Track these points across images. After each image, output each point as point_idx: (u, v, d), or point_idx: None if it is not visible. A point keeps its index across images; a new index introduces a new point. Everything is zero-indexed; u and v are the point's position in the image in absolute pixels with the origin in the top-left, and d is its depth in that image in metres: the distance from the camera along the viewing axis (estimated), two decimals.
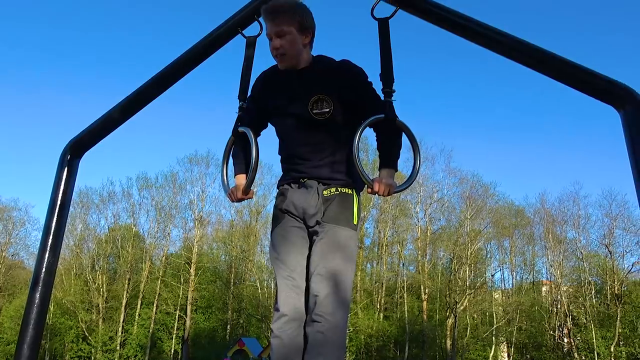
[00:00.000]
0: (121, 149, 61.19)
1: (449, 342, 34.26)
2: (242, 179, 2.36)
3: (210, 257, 40.87)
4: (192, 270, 37.60)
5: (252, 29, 2.49)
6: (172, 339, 38.00)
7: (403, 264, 38.83)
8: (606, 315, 33.22)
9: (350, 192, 2.25)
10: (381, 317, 36.46)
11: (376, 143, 2.30)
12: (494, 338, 35.40)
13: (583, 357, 32.72)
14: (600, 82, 2.02)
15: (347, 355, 33.19)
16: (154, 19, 58.37)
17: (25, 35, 55.12)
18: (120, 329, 37.56)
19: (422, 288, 35.69)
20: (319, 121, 2.22)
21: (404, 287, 37.03)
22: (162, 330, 38.61)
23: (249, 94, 2.43)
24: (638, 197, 1.89)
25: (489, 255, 40.05)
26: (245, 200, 2.41)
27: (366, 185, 2.20)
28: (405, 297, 36.61)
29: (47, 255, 2.52)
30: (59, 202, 2.60)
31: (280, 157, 2.41)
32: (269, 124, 2.46)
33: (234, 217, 40.47)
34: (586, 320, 33.40)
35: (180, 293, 37.88)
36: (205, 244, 40.99)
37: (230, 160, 2.44)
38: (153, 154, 64.13)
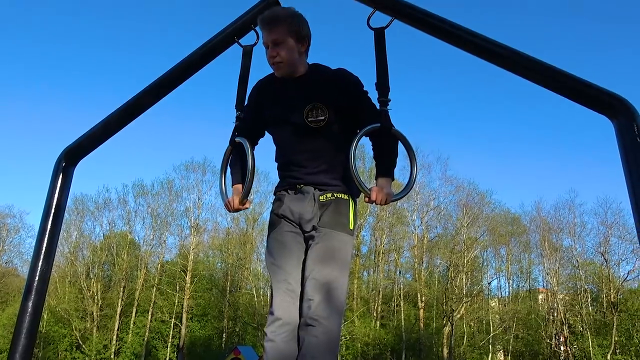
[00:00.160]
0: (117, 156, 61.08)
1: (445, 351, 34.14)
2: (239, 189, 2.38)
3: (206, 264, 40.67)
4: (187, 278, 37.41)
5: (248, 38, 2.51)
6: (167, 347, 37.70)
7: (400, 272, 38.79)
8: (602, 324, 33.22)
9: (346, 197, 2.27)
10: (378, 325, 36.32)
11: (373, 152, 2.32)
12: (490, 346, 35.32)
13: None
14: (594, 93, 2.05)
15: None
16: (151, 27, 58.56)
17: (22, 40, 55.15)
18: (114, 337, 37.24)
19: (418, 296, 35.61)
20: (315, 129, 2.24)
21: (400, 295, 36.94)
22: (157, 339, 38.32)
23: (245, 103, 2.45)
24: (632, 205, 1.90)
25: (485, 263, 40.11)
26: (243, 210, 2.42)
27: (363, 194, 2.21)
28: (402, 305, 36.51)
29: (40, 263, 2.51)
30: (53, 210, 2.60)
31: (277, 164, 2.43)
32: (266, 132, 2.48)
33: (230, 224, 40.43)
34: (582, 328, 33.39)
35: (176, 301, 37.65)
36: (201, 252, 40.82)
37: (229, 170, 2.46)
38: (149, 161, 64.05)
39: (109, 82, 57.29)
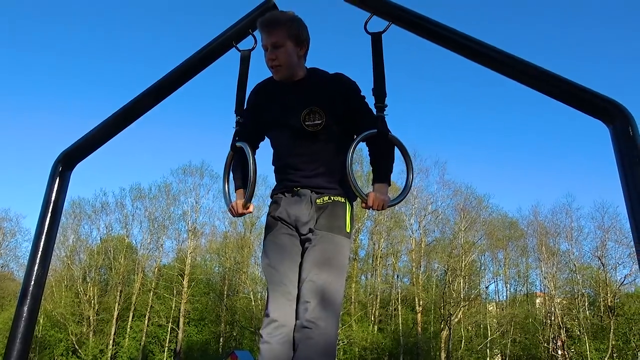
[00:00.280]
0: (115, 160, 60.96)
1: (443, 355, 34.09)
2: (242, 193, 2.39)
3: (203, 268, 40.56)
4: (185, 282, 37.29)
5: (246, 43, 2.52)
6: (164, 351, 37.52)
7: (397, 276, 38.76)
8: (599, 328, 33.24)
9: (343, 200, 2.28)
10: (375, 329, 36.25)
11: (369, 157, 2.33)
12: (488, 350, 35.29)
13: None
14: (590, 98, 2.07)
15: None
16: (150, 30, 58.62)
17: (20, 42, 55.09)
18: (111, 341, 37.06)
19: (416, 300, 35.58)
20: (312, 132, 2.24)
21: (398, 299, 36.91)
22: (154, 343, 38.14)
23: (244, 107, 2.46)
24: (628, 209, 1.91)
25: (483, 267, 40.09)
26: (246, 214, 2.43)
27: (360, 200, 2.23)
28: (399, 309, 36.46)
29: (36, 267, 2.50)
30: (49, 214, 2.59)
31: (274, 167, 2.44)
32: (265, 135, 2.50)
33: (228, 228, 40.36)
34: (580, 332, 33.40)
35: (173, 305, 37.51)
36: (198, 256, 40.72)
37: (231, 175, 2.47)
38: (147, 164, 63.96)
39: (106, 86, 57.32)
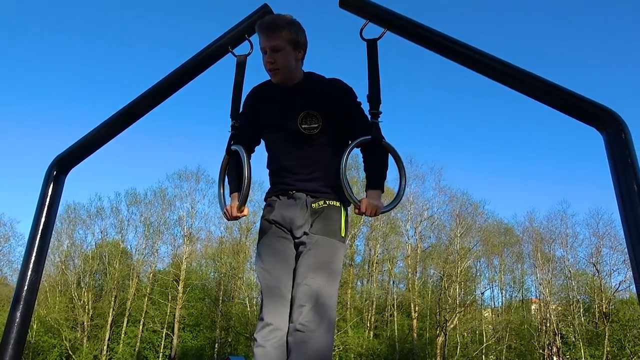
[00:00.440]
0: (110, 164, 60.77)
1: None
2: (237, 197, 2.38)
3: (199, 274, 40.38)
4: (180, 288, 37.10)
5: (242, 48, 2.52)
6: (158, 357, 37.26)
7: (393, 282, 38.71)
8: (594, 334, 33.28)
9: (338, 205, 2.29)
10: (371, 335, 36.15)
11: (363, 164, 2.34)
12: (483, 356, 35.22)
13: None
14: (584, 105, 2.08)
15: None
16: (146, 35, 58.64)
17: (15, 45, 54.98)
18: (105, 347, 36.77)
19: (412, 306, 35.53)
20: (308, 136, 2.26)
21: (394, 305, 36.85)
22: (149, 349, 37.88)
23: (240, 110, 2.46)
24: (621, 216, 1.92)
25: (478, 273, 40.11)
26: (242, 218, 2.42)
27: (353, 205, 2.24)
28: (395, 315, 36.41)
29: (29, 272, 2.48)
30: (43, 219, 2.57)
31: (268, 170, 2.44)
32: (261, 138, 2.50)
33: (223, 233, 40.19)
34: (575, 338, 33.43)
35: (168, 311, 37.29)
36: (194, 261, 40.54)
37: (227, 179, 2.47)
38: (142, 169, 63.76)
39: (102, 91, 57.18)
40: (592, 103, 2.06)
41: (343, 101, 2.30)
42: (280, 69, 2.26)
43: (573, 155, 56.94)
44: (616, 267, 34.30)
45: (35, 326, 35.50)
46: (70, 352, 36.02)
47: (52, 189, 2.64)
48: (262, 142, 2.50)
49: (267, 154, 2.47)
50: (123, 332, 37.72)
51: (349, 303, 35.31)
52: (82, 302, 37.61)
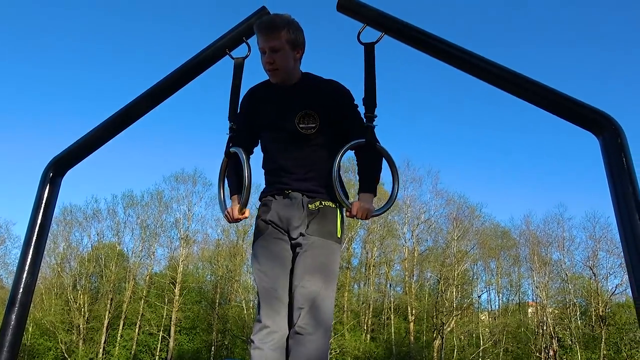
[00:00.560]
0: (107, 166, 60.63)
1: None
2: (237, 199, 2.38)
3: (195, 276, 40.25)
4: (176, 290, 36.99)
5: (240, 51, 2.52)
6: None
7: (390, 285, 38.68)
8: (591, 337, 33.32)
9: (334, 205, 2.29)
10: (368, 338, 36.10)
11: (357, 167, 2.35)
12: None
13: None
14: (580, 110, 2.09)
15: None
16: (143, 37, 58.62)
17: (10, 46, 54.86)
18: (101, 350, 36.59)
19: (409, 309, 35.51)
20: (306, 136, 2.26)
21: (391, 308, 36.81)
22: (145, 352, 37.71)
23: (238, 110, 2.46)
24: (617, 219, 1.93)
25: (475, 277, 40.13)
26: (242, 220, 2.41)
27: (345, 208, 2.24)
28: (392, 318, 36.36)
29: (25, 275, 2.47)
30: (39, 221, 2.56)
31: (264, 170, 2.43)
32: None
33: (220, 236, 40.14)
34: (571, 342, 33.46)
35: (164, 313, 37.14)
36: (190, 264, 40.43)
37: (226, 181, 2.46)
38: (139, 171, 63.60)
39: (99, 92, 57.07)
40: (588, 107, 2.07)
41: (340, 102, 2.31)
42: (279, 69, 2.26)
43: (570, 159, 57.12)
44: (613, 270, 34.42)
45: (30, 329, 35.32)
46: (65, 355, 35.84)
47: (49, 190, 2.63)
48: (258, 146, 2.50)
49: (262, 154, 2.47)
50: (119, 334, 37.55)
51: (345, 306, 35.27)
52: (78, 304, 37.43)
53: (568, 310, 34.74)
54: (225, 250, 38.76)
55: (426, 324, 36.40)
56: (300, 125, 2.25)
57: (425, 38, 2.30)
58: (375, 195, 2.29)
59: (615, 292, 33.99)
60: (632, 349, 31.94)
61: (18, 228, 45.64)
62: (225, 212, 2.35)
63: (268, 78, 2.38)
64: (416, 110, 57.99)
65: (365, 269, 38.66)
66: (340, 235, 2.26)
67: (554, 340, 34.31)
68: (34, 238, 2.53)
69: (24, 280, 2.46)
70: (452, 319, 34.50)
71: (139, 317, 37.47)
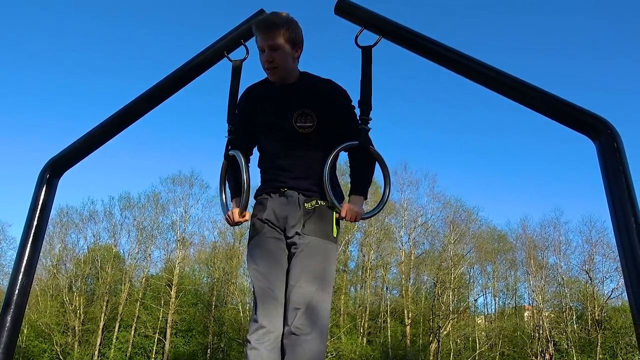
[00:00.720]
0: (104, 168, 60.50)
1: None
2: (238, 202, 2.37)
3: (191, 279, 40.13)
4: (172, 293, 36.87)
5: (238, 53, 2.53)
6: None
7: (387, 288, 38.65)
8: (587, 341, 33.38)
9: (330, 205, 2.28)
10: (364, 341, 36.04)
11: (349, 169, 2.34)
12: None
13: None
14: (577, 114, 2.10)
15: None
16: (141, 39, 58.60)
17: (7, 48, 54.72)
18: (96, 352, 36.41)
19: (405, 312, 35.50)
20: (303, 134, 2.25)
21: (387, 311, 36.79)
22: (140, 354, 37.55)
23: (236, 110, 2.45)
24: (613, 224, 1.93)
25: (472, 280, 40.13)
26: (243, 222, 2.40)
27: (335, 210, 2.24)
28: (388, 321, 36.34)
29: (20, 276, 2.46)
30: (35, 222, 2.55)
31: (260, 168, 2.43)
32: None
33: (216, 238, 40.07)
34: (567, 345, 33.51)
35: (160, 316, 37.02)
36: (187, 266, 40.31)
37: (227, 184, 2.46)
38: (136, 173, 63.45)
39: (97, 94, 57.01)
40: (585, 112, 2.08)
41: (337, 102, 2.31)
42: (278, 68, 2.26)
43: (566, 163, 57.32)
44: (609, 274, 34.54)
45: (25, 330, 35.13)
46: (61, 357, 35.64)
47: (45, 192, 2.63)
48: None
49: (259, 153, 2.46)
50: (115, 337, 37.38)
51: (342, 309, 35.21)
52: (73, 306, 37.26)
53: (564, 314, 34.80)
54: (221, 253, 38.68)
55: (422, 327, 36.39)
56: (298, 124, 2.24)
57: (423, 41, 2.31)
58: (366, 198, 2.29)
59: (611, 296, 34.14)
60: (628, 353, 31.98)
61: (14, 229, 45.47)
62: (227, 215, 2.35)
63: (265, 77, 2.38)
64: (413, 114, 58.12)
65: (362, 272, 38.63)
66: (336, 235, 2.25)
67: (550, 344, 34.34)
68: (30, 239, 2.52)
69: (19, 281, 2.45)
70: (449, 322, 34.50)
71: (135, 319, 37.33)
